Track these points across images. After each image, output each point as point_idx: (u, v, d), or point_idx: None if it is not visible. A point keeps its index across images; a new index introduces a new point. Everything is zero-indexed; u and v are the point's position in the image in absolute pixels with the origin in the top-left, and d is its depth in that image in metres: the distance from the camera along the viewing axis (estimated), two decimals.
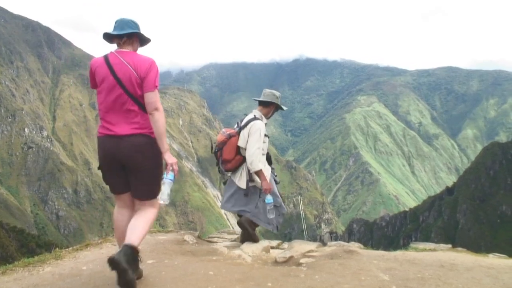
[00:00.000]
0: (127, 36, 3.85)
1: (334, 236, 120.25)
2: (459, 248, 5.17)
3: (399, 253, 4.91)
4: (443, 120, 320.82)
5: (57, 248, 5.10)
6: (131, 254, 3.55)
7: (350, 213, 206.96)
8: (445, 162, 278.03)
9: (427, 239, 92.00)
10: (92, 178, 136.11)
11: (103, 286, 3.87)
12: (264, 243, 6.27)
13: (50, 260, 4.66)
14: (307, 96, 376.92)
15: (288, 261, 4.94)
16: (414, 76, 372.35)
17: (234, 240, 6.47)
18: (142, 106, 3.74)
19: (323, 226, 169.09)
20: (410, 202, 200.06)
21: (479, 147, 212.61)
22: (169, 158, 3.78)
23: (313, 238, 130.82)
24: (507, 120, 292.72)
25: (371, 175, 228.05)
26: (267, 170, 5.87)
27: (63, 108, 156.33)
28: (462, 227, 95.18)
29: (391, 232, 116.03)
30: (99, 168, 3.92)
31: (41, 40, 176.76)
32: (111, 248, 5.27)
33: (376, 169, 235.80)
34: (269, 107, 6.09)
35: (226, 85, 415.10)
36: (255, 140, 5.67)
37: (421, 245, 5.51)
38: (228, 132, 5.92)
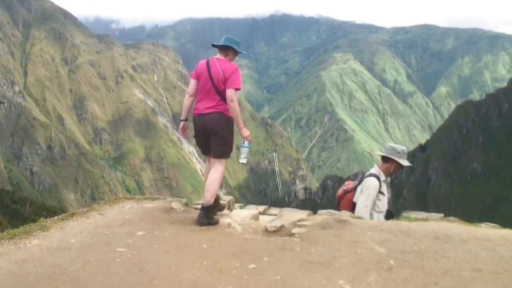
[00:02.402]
0: (224, 47, 5.44)
1: (308, 192, 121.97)
2: (451, 218, 5.16)
3: (392, 223, 4.89)
4: (418, 78, 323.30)
5: (42, 218, 4.93)
6: (208, 211, 5.16)
7: (325, 169, 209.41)
8: (419, 120, 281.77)
9: (399, 195, 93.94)
10: (66, 134, 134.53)
11: (94, 261, 3.77)
12: (252, 210, 6.22)
13: (36, 232, 4.51)
14: (283, 52, 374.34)
15: (279, 230, 4.88)
16: (391, 34, 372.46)
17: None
18: (222, 96, 5.25)
19: (297, 182, 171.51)
20: None
21: (453, 105, 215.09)
22: (244, 132, 5.25)
23: (287, 194, 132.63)
24: (481, 78, 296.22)
25: (345, 132, 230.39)
26: None
27: (34, 62, 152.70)
28: (433, 183, 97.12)
29: None
30: (194, 136, 5.53)
31: None
32: (98, 218, 5.14)
33: (350, 127, 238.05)
34: (389, 163, 5.84)
35: (201, 41, 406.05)
36: (364, 197, 5.68)
37: (413, 214, 5.49)
38: (345, 188, 6.21)
